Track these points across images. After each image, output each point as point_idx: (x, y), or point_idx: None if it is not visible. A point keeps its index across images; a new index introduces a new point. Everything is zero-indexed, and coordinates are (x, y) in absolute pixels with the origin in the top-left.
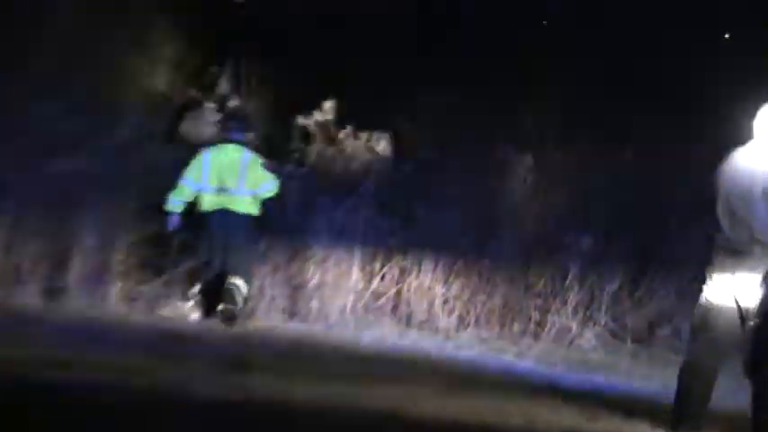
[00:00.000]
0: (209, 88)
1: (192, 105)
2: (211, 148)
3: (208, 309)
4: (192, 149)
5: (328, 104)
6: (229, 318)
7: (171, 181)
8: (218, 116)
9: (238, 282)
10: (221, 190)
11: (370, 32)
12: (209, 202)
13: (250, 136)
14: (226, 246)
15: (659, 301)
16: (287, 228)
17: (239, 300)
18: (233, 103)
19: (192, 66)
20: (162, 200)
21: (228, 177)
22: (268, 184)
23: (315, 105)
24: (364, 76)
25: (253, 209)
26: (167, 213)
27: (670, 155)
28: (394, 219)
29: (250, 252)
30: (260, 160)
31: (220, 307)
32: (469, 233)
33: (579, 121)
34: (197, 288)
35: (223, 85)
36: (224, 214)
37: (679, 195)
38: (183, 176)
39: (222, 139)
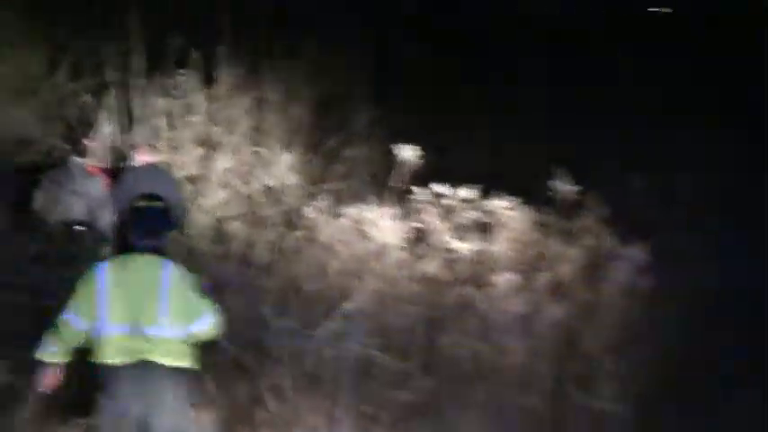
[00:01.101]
0: (77, 130)
1: (51, 161)
2: (111, 262)
3: None
4: (56, 239)
5: (284, 158)
6: None
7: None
8: (90, 181)
9: None
10: (133, 332)
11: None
12: (112, 352)
13: (170, 237)
14: (143, 425)
15: None
16: (224, 371)
17: None
18: (133, 162)
19: (48, 89)
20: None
21: (144, 311)
22: (206, 318)
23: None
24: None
25: (185, 358)
26: (36, 365)
27: None
28: (407, 358)
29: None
30: (191, 277)
31: None
32: (541, 373)
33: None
34: None
35: (104, 127)
36: (140, 371)
37: None
38: (66, 308)
39: (129, 245)
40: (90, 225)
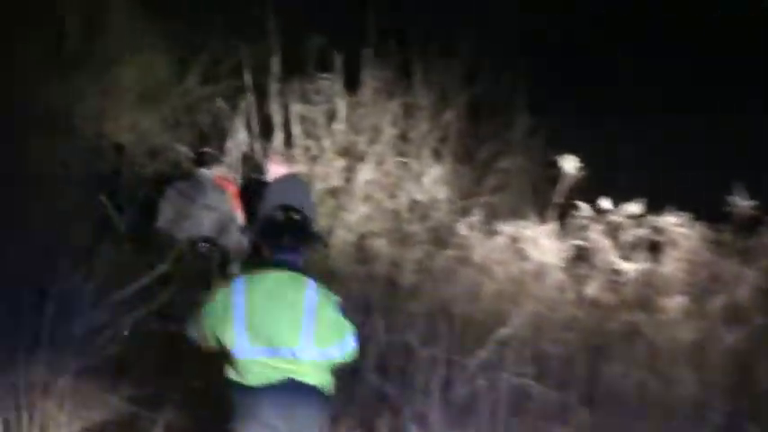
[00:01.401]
0: (208, 138)
1: (179, 172)
2: (247, 278)
3: None
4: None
5: (433, 169)
6: None
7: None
8: (220, 194)
9: None
10: (274, 353)
11: None
12: (252, 374)
13: (310, 252)
14: None
15: None
16: (366, 402)
17: None
18: (267, 173)
19: (178, 94)
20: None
21: (285, 331)
22: (347, 341)
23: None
24: None
25: (325, 380)
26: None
27: None
28: (567, 389)
29: None
30: (332, 297)
31: None
32: (713, 406)
33: None
34: None
35: (237, 135)
36: (281, 392)
37: None
38: (190, 327)
39: (266, 260)
40: (217, 242)
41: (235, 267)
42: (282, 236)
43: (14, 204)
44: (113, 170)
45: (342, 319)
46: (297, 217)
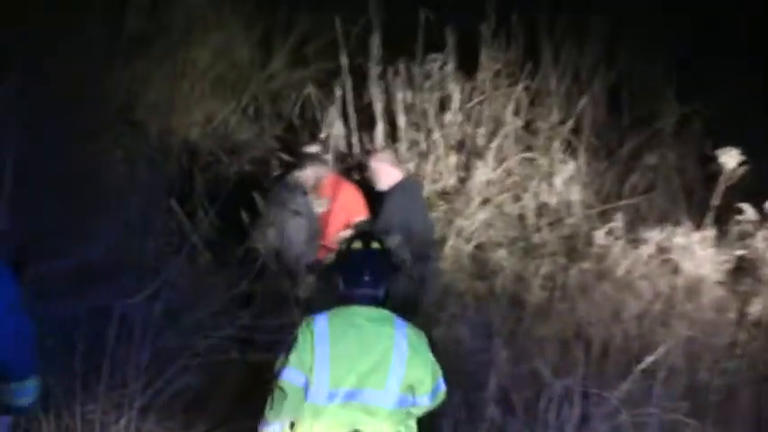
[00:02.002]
0: (298, 132)
1: (265, 173)
2: (330, 315)
3: None
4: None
5: (566, 170)
6: None
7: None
8: (313, 199)
9: None
10: (350, 398)
11: None
12: (323, 424)
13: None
14: None
15: None
16: None
17: None
18: (381, 177)
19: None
20: None
21: (370, 374)
22: (439, 385)
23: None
24: None
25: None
26: None
27: None
28: (728, 426)
29: None
30: (423, 337)
31: None
32: None
33: None
34: None
35: (333, 128)
36: None
37: None
38: (284, 367)
39: (343, 296)
40: (282, 255)
41: (303, 290)
42: (362, 270)
43: (70, 214)
44: (185, 171)
45: (434, 360)
46: (377, 247)
